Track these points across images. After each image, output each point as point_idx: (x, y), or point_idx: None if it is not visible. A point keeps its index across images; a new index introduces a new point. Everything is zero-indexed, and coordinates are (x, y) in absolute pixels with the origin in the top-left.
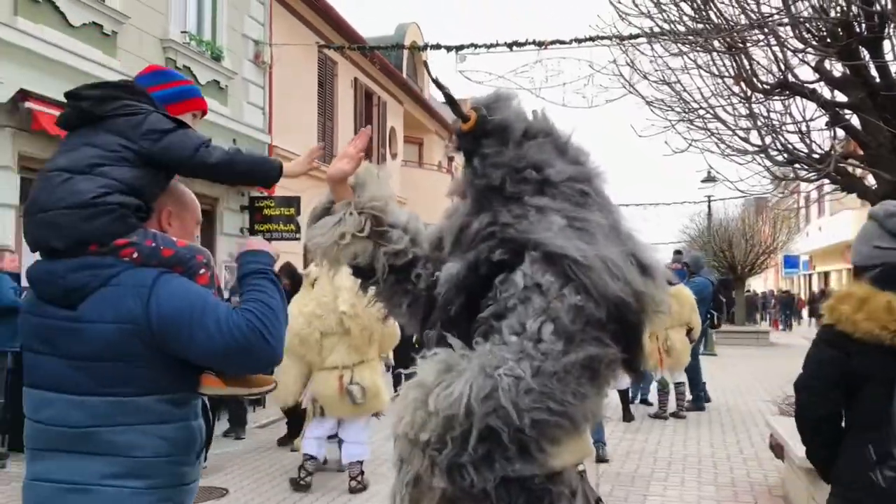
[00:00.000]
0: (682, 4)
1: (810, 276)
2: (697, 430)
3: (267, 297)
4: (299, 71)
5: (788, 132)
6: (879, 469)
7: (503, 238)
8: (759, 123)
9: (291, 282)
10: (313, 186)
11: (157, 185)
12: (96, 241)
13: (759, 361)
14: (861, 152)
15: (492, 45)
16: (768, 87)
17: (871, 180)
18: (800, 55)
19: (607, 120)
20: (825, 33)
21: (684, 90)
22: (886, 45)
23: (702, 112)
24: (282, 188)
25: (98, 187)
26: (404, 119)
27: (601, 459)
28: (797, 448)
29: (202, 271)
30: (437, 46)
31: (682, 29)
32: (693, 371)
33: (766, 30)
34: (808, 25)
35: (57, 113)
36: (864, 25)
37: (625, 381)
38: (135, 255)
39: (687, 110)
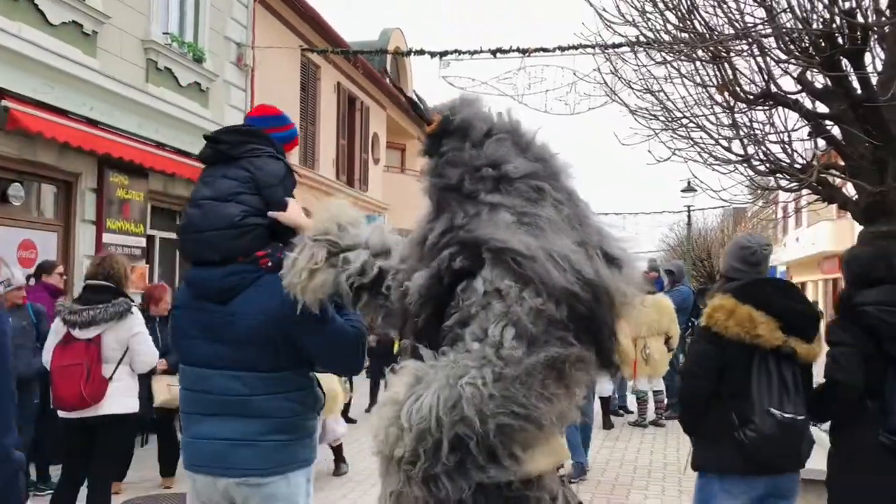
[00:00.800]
0: (667, 13)
1: None
2: (677, 438)
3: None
4: (282, 74)
5: (771, 142)
6: (742, 430)
7: (459, 241)
8: (742, 133)
9: None
10: None
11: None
12: (242, 254)
13: None
14: (842, 163)
15: (476, 52)
16: (751, 96)
17: (851, 190)
18: (783, 66)
19: (590, 128)
20: (808, 44)
21: (668, 99)
22: (868, 56)
23: (685, 121)
24: None
25: (240, 211)
26: (387, 124)
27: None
28: None
29: None
30: (421, 52)
31: (666, 38)
32: (671, 379)
33: (749, 40)
34: (791, 36)
35: (35, 112)
36: (846, 37)
37: (607, 387)
38: (269, 264)
39: (670, 119)
